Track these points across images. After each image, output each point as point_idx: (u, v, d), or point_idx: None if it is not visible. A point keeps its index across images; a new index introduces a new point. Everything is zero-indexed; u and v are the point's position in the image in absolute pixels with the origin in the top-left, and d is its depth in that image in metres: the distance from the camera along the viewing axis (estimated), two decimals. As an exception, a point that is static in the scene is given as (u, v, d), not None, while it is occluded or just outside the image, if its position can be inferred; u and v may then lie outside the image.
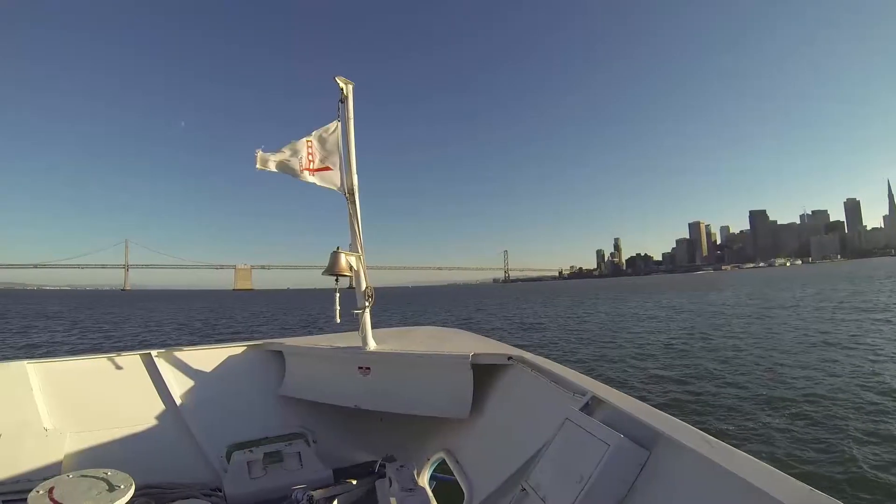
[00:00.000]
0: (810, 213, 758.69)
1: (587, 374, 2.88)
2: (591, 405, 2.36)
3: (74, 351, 21.76)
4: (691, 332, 21.54)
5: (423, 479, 3.73)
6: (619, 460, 1.92)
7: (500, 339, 4.53)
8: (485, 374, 3.45)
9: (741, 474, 1.51)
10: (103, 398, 3.92)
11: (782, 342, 16.80)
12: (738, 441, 7.42)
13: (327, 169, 3.93)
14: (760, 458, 1.65)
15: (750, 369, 12.86)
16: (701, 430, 1.91)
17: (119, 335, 29.40)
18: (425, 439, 3.91)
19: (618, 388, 2.60)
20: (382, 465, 3.75)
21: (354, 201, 3.96)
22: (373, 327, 4.07)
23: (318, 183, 3.91)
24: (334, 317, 3.85)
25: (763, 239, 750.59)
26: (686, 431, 1.91)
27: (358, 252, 3.94)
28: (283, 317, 41.32)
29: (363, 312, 3.97)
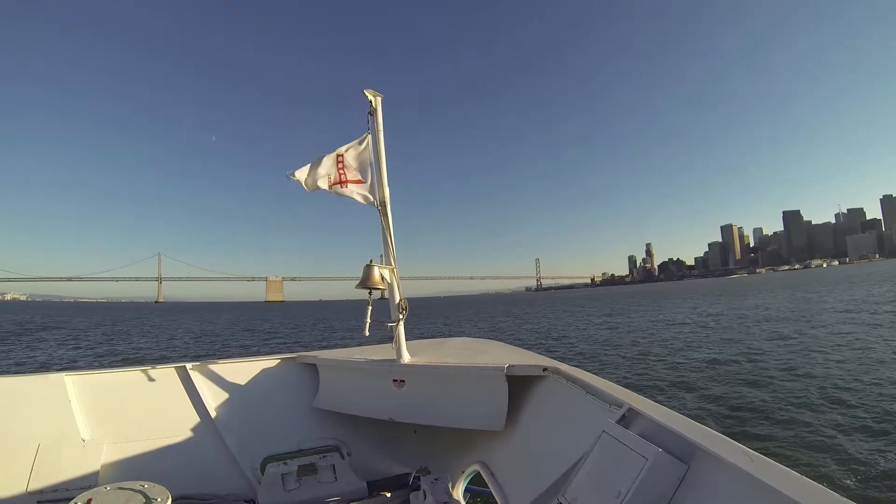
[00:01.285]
0: (845, 211, 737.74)
1: (623, 385, 2.82)
2: (628, 417, 2.32)
3: (112, 363, 22.29)
4: (731, 339, 20.93)
5: (458, 492, 3.72)
6: (658, 474, 1.88)
7: (532, 350, 4.49)
8: (520, 385, 3.41)
9: (784, 491, 1.45)
10: (139, 410, 3.98)
11: (839, 352, 15.79)
12: (780, 456, 7.10)
13: (359, 182, 3.93)
14: (805, 475, 1.58)
15: (799, 379, 12.27)
16: (741, 443, 1.85)
17: (152, 346, 29.99)
18: (460, 452, 3.88)
19: (654, 399, 2.56)
20: (417, 478, 3.75)
21: (387, 213, 3.94)
22: (406, 339, 4.06)
23: (351, 196, 3.91)
24: (364, 329, 3.78)
25: (797, 240, 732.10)
26: (726, 445, 1.85)
27: (391, 265, 3.93)
28: (310, 331, 41.31)
29: (397, 325, 3.94)
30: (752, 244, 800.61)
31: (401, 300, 3.95)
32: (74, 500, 2.26)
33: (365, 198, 3.94)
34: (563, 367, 3.24)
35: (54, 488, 3.30)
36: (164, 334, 39.20)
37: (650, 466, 1.89)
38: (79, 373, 3.95)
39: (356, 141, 3.98)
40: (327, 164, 3.89)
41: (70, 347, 29.39)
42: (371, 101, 3.96)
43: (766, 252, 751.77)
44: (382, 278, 3.84)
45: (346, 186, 3.91)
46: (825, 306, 33.69)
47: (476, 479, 3.75)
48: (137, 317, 76.17)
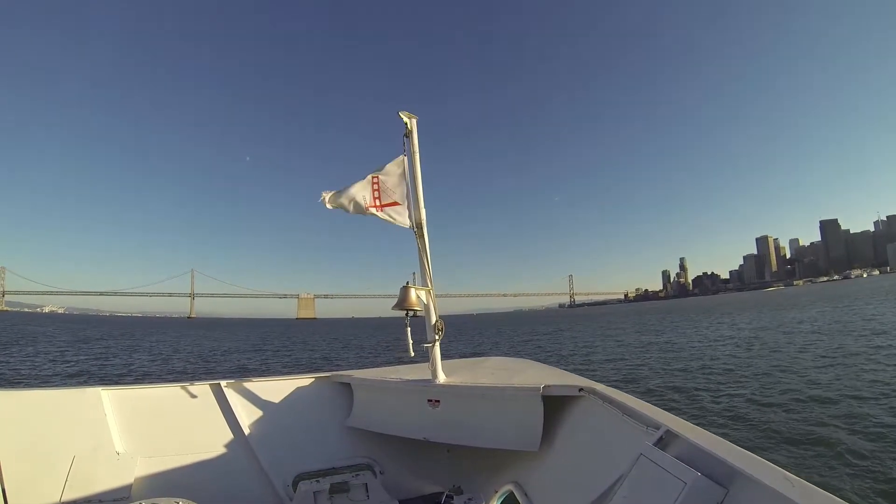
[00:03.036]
0: (885, 218, 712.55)
1: (660, 407, 2.78)
2: (666, 439, 2.29)
3: (148, 378, 22.76)
4: (773, 358, 20.23)
5: None
6: (696, 499, 1.85)
7: (568, 370, 4.48)
8: (555, 405, 3.41)
9: None
10: (173, 425, 4.08)
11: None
12: (822, 480, 6.83)
13: (395, 204, 3.98)
14: (847, 500, 1.55)
15: (847, 401, 11.64)
16: (782, 468, 1.81)
17: (183, 362, 30.54)
18: (494, 472, 3.89)
19: (692, 421, 2.53)
20: (450, 497, 3.77)
21: (423, 235, 3.99)
22: (441, 359, 4.10)
23: (386, 218, 3.97)
24: (407, 350, 3.88)
25: (835, 250, 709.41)
26: (765, 468, 1.81)
27: (427, 286, 3.98)
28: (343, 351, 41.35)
29: (433, 346, 3.99)
30: (788, 256, 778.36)
31: (437, 321, 4.00)
32: None
33: (401, 220, 3.99)
34: (600, 387, 3.22)
35: (88, 500, 3.40)
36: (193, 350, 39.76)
37: (688, 491, 1.87)
38: (115, 387, 4.07)
39: (392, 163, 4.04)
40: (362, 187, 3.96)
41: (105, 358, 30.13)
42: (406, 123, 4.03)
43: (804, 263, 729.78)
44: (419, 299, 3.89)
45: (382, 210, 3.97)
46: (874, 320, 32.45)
47: (509, 500, 3.73)
48: (160, 331, 77.43)
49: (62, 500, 3.36)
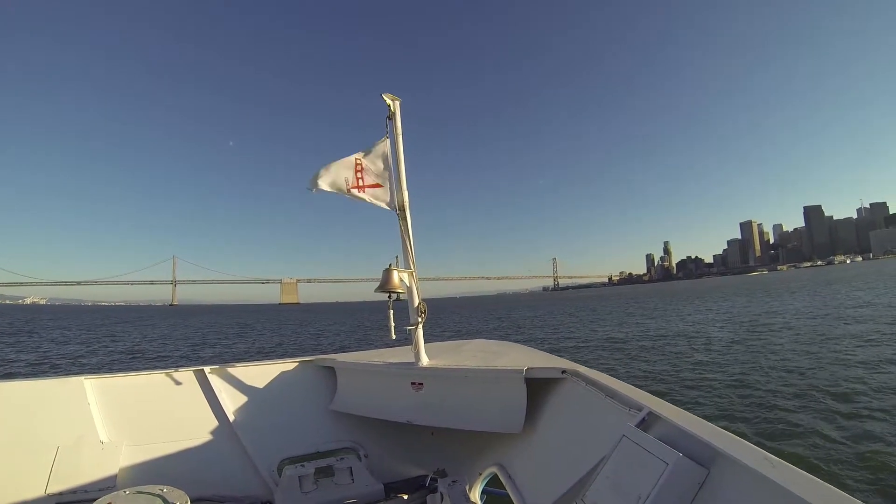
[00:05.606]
0: (868, 206, 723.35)
1: (643, 389, 2.77)
2: (648, 421, 2.29)
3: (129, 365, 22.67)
4: (756, 341, 20.58)
5: (475, 494, 3.71)
6: (678, 479, 1.85)
7: (550, 352, 4.47)
8: (538, 387, 3.39)
9: (805, 497, 1.42)
10: (157, 413, 4.03)
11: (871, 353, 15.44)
12: (803, 461, 6.98)
13: (377, 186, 3.94)
14: (827, 481, 1.54)
15: (828, 385, 11.88)
16: (763, 448, 1.81)
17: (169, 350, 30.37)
18: (477, 454, 3.88)
19: (674, 402, 2.53)
20: (434, 480, 3.75)
21: (406, 218, 3.95)
22: (424, 341, 4.09)
23: (369, 200, 3.92)
24: (388, 333, 3.83)
25: (819, 236, 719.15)
26: (746, 450, 1.81)
27: (410, 268, 3.94)
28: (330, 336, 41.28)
29: (416, 328, 3.97)
30: (772, 241, 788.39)
31: (420, 303, 3.97)
32: None
33: (384, 202, 3.95)
34: (582, 369, 3.22)
35: (73, 490, 3.35)
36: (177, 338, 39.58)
37: (670, 471, 1.87)
38: (98, 376, 4.01)
39: (375, 145, 3.99)
40: (345, 169, 3.90)
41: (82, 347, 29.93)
42: (390, 105, 3.98)
43: (787, 249, 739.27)
44: (402, 282, 3.85)
45: (364, 191, 3.92)
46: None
47: (493, 482, 3.73)
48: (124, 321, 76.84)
49: (47, 492, 3.30)
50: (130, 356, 26.22)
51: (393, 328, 3.82)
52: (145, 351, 28.97)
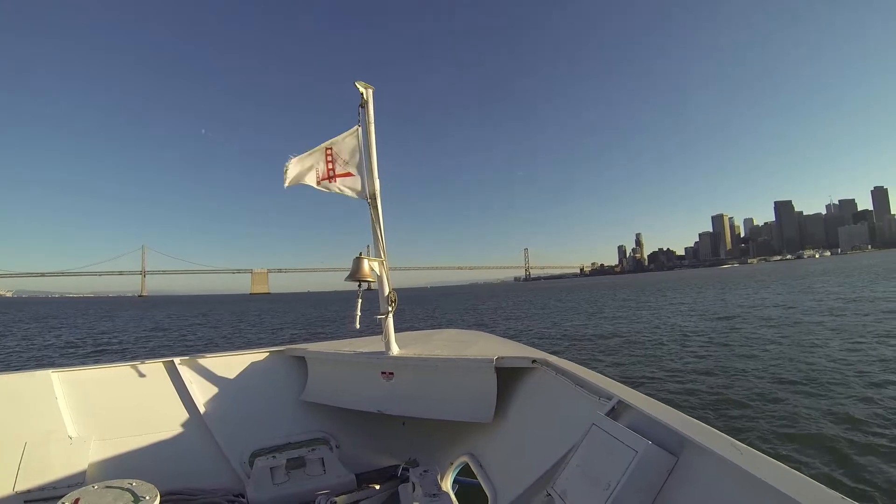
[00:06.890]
0: (837, 202, 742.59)
1: (612, 378, 2.79)
2: (618, 410, 2.31)
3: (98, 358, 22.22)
4: (724, 331, 20.93)
5: (447, 484, 3.72)
6: (647, 467, 1.87)
7: (520, 341, 4.48)
8: (508, 377, 3.41)
9: (771, 482, 1.45)
10: (127, 405, 3.95)
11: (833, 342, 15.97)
12: (768, 448, 7.12)
13: (348, 175, 3.89)
14: (791, 466, 1.58)
15: (795, 374, 12.13)
16: (730, 436, 1.84)
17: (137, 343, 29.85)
18: (449, 444, 3.89)
19: (644, 391, 2.54)
20: (406, 470, 3.76)
21: (377, 206, 3.91)
22: (395, 331, 4.07)
23: (340, 190, 3.88)
24: (354, 322, 3.79)
25: (789, 230, 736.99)
26: (714, 437, 1.84)
27: (381, 257, 3.91)
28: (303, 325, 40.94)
29: (386, 317, 3.96)
30: (742, 235, 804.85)
31: (390, 292, 3.95)
32: (62, 500, 2.23)
33: (355, 191, 3.91)
34: (553, 358, 3.24)
35: (41, 487, 3.25)
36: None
37: (639, 458, 1.88)
38: (65, 369, 3.91)
39: (346, 134, 3.93)
40: (316, 158, 3.85)
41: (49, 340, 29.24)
42: (363, 94, 3.92)
43: (758, 242, 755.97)
44: (372, 270, 3.82)
45: (335, 181, 3.88)
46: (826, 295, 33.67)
47: (465, 471, 3.76)
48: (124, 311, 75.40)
49: (15, 490, 3.21)
50: (97, 350, 25.64)
51: (359, 318, 3.77)
52: (109, 344, 28.33)
